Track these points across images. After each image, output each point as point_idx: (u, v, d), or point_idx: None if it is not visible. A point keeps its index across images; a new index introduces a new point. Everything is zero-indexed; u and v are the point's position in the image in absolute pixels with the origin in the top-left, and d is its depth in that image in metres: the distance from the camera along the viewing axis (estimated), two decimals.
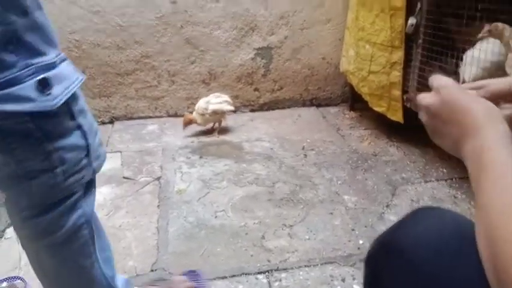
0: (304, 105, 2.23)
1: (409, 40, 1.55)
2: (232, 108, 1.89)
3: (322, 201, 1.34)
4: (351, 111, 2.13)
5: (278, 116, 2.11)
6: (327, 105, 2.24)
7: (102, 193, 1.43)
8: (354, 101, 2.11)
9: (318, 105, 2.23)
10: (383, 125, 1.87)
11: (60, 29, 1.86)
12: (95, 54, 1.96)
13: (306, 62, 2.16)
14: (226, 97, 1.90)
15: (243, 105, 2.19)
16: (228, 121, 1.98)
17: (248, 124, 2.02)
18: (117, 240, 1.18)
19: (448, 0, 1.43)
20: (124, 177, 1.54)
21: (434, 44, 1.46)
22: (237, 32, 2.04)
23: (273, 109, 2.20)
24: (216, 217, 1.27)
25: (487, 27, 1.26)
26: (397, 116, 1.67)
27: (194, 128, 1.91)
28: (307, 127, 1.97)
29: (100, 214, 1.32)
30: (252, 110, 2.19)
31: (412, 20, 1.47)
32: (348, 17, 1.95)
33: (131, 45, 1.98)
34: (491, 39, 1.25)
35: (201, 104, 1.87)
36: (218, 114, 1.88)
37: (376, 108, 1.78)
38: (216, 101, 1.88)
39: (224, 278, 1.03)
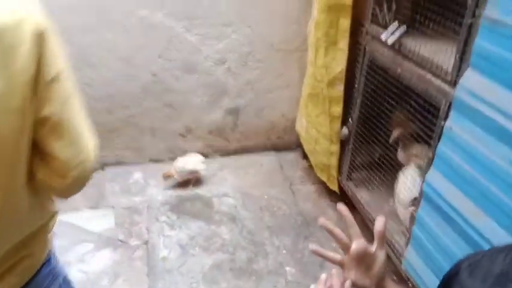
0: (266, 150, 2.66)
1: (343, 142, 1.97)
2: (204, 167, 2.30)
3: (269, 272, 1.83)
4: (304, 160, 2.57)
5: (244, 164, 2.53)
6: (286, 149, 2.67)
7: (105, 258, 1.87)
8: (305, 152, 2.54)
9: (278, 150, 2.66)
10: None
11: None
12: (91, 118, 2.29)
13: (268, 118, 2.56)
14: (200, 157, 2.31)
15: (214, 152, 2.59)
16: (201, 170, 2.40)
17: (217, 174, 2.44)
18: None
19: (375, 114, 1.84)
20: (119, 240, 1.97)
21: (363, 148, 1.89)
22: (208, 97, 2.40)
23: (240, 154, 2.62)
24: None
25: (395, 132, 1.69)
26: (335, 188, 2.13)
27: (172, 180, 2.32)
28: (267, 180, 2.41)
29: (105, 281, 1.77)
30: (221, 155, 2.60)
31: (345, 130, 1.89)
32: (302, 91, 2.33)
33: (118, 109, 2.32)
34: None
35: (179, 164, 2.27)
36: (193, 172, 2.29)
37: (319, 175, 2.23)
38: (192, 160, 2.28)
39: None
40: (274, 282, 1.78)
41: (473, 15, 1.11)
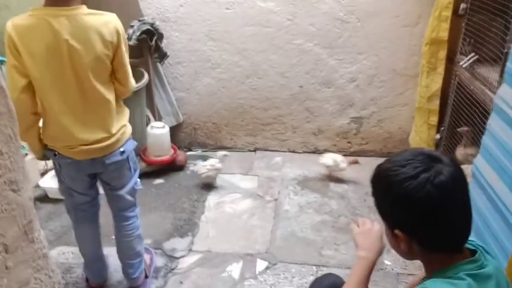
0: (382, 155, 3.22)
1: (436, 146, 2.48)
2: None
3: None
4: None
5: (361, 162, 3.14)
6: None
7: (247, 203, 2.71)
8: None
9: None
10: None
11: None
12: (251, 113, 3.24)
13: (387, 129, 3.15)
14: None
15: (338, 151, 3.28)
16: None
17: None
18: (249, 229, 2.44)
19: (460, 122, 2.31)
20: (258, 195, 2.80)
21: (450, 150, 2.37)
22: (339, 106, 3.13)
23: (359, 155, 3.24)
24: (301, 231, 2.45)
25: (463, 128, 2.16)
26: None
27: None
28: None
29: (245, 216, 2.61)
30: (344, 155, 3.27)
31: (438, 136, 2.41)
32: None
33: (272, 109, 3.21)
34: None
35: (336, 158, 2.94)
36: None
37: None
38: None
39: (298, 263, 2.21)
40: None
41: (508, 47, 1.63)
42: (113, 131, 1.70)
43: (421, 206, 0.98)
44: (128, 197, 1.89)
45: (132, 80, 1.75)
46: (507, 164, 1.58)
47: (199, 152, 3.40)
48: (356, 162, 2.90)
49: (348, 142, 3.26)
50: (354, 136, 3.22)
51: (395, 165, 1.02)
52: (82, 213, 1.93)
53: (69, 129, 1.62)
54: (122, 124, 1.76)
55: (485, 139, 1.76)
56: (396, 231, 1.02)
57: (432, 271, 1.02)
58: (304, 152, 3.29)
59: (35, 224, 1.10)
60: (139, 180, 1.93)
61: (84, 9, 1.54)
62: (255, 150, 3.37)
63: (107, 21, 1.55)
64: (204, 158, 3.25)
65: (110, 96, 1.66)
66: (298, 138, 3.30)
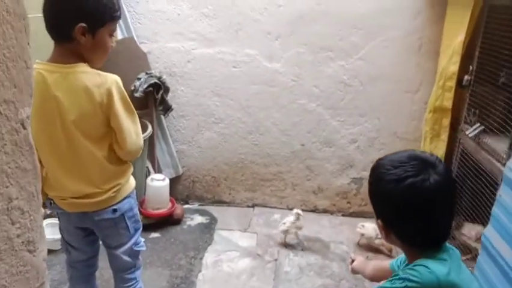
0: None
1: None
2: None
3: None
4: None
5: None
6: None
7: (246, 263, 2.63)
8: None
9: None
10: None
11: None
12: (251, 168, 3.23)
13: None
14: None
15: (338, 210, 3.26)
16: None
17: (337, 228, 3.08)
18: None
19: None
20: (257, 254, 2.73)
21: None
22: (340, 166, 3.14)
23: (358, 217, 3.22)
24: None
25: None
26: None
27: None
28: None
29: (244, 276, 2.52)
30: (343, 215, 3.25)
31: None
32: None
33: (272, 165, 3.21)
34: None
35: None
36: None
37: None
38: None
39: None
40: None
41: None
42: (105, 187, 1.64)
43: (400, 206, 1.14)
44: (126, 258, 1.80)
45: (134, 144, 1.64)
46: None
47: (195, 205, 3.35)
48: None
49: (348, 202, 3.24)
50: (354, 197, 3.21)
51: (389, 164, 1.16)
52: (77, 272, 1.86)
53: (60, 180, 1.60)
54: (117, 182, 1.68)
55: (496, 210, 1.76)
56: (378, 221, 1.20)
57: (412, 261, 1.16)
58: (304, 210, 3.24)
59: (46, 286, 1.05)
60: (142, 240, 1.86)
61: (82, 67, 1.50)
62: (253, 206, 3.33)
63: (101, 83, 1.50)
64: (201, 213, 3.20)
65: (101, 153, 1.60)
66: (298, 196, 3.28)
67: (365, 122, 3.04)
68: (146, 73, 2.97)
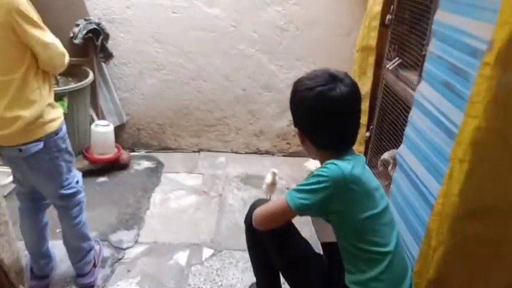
0: None
1: (367, 143, 2.74)
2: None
3: None
4: None
5: (298, 162, 3.35)
6: None
7: (192, 199, 2.80)
8: None
9: None
10: None
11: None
12: (196, 114, 3.34)
13: None
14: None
15: (278, 151, 3.47)
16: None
17: (279, 167, 3.30)
18: (194, 221, 2.53)
19: (386, 120, 2.59)
20: (203, 191, 2.90)
21: (378, 145, 2.64)
22: (279, 109, 3.33)
23: (297, 156, 3.45)
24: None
25: None
26: None
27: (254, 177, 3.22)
28: None
29: (190, 210, 2.69)
30: (284, 155, 3.47)
31: (367, 134, 2.67)
32: None
33: (216, 111, 3.34)
34: None
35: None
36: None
37: None
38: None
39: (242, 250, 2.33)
40: None
41: (425, 50, 1.90)
42: (6, 115, 1.59)
43: (311, 111, 1.35)
44: (57, 202, 1.87)
45: (51, 46, 1.63)
46: (426, 150, 1.83)
47: (142, 152, 3.43)
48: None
49: (288, 143, 3.46)
50: (293, 138, 3.43)
51: (305, 78, 1.39)
52: (22, 203, 1.92)
53: None
54: (19, 113, 1.60)
55: (408, 130, 2.01)
56: (296, 129, 1.42)
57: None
58: (247, 152, 3.44)
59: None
60: (74, 181, 1.87)
61: None
62: (199, 151, 3.47)
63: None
64: (148, 158, 3.30)
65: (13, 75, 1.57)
66: (242, 139, 3.45)
67: (301, 66, 3.21)
68: (85, 19, 2.94)
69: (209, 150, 3.47)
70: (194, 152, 3.47)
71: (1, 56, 1.55)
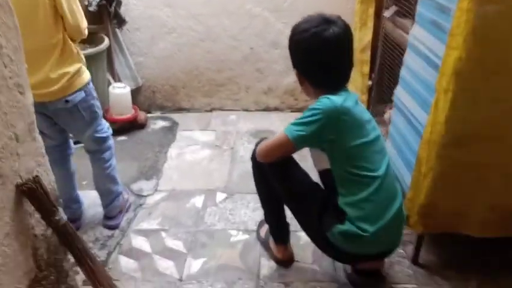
0: None
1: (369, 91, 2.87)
2: None
3: None
4: None
5: None
6: None
7: (206, 152, 2.99)
8: None
9: None
10: None
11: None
12: (206, 75, 3.50)
13: None
14: None
15: (286, 107, 3.62)
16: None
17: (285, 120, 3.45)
18: (209, 171, 2.73)
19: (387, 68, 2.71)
20: (216, 145, 3.09)
21: (381, 94, 2.76)
22: (285, 66, 3.46)
23: None
24: None
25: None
26: None
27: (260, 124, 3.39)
28: None
29: (205, 162, 2.89)
30: (292, 111, 3.62)
31: (369, 82, 2.79)
32: None
33: (226, 71, 3.49)
34: None
35: None
36: None
37: None
38: None
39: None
40: None
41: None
42: (53, 76, 1.82)
43: (307, 51, 1.52)
44: (90, 143, 2.11)
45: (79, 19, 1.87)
46: (418, 87, 1.96)
47: (158, 114, 3.62)
48: None
49: (295, 99, 3.60)
50: (300, 94, 3.56)
51: (301, 22, 1.56)
52: (51, 156, 2.14)
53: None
54: (66, 70, 1.85)
55: (402, 71, 2.14)
56: (295, 71, 1.61)
57: None
58: (257, 110, 3.60)
59: (35, 126, 1.34)
60: (105, 127, 2.15)
61: None
62: (211, 110, 3.64)
63: None
64: (164, 119, 3.50)
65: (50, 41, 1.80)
66: (251, 98, 3.61)
67: None
68: None
69: (221, 109, 3.64)
70: (207, 111, 3.65)
71: (45, 22, 1.77)
